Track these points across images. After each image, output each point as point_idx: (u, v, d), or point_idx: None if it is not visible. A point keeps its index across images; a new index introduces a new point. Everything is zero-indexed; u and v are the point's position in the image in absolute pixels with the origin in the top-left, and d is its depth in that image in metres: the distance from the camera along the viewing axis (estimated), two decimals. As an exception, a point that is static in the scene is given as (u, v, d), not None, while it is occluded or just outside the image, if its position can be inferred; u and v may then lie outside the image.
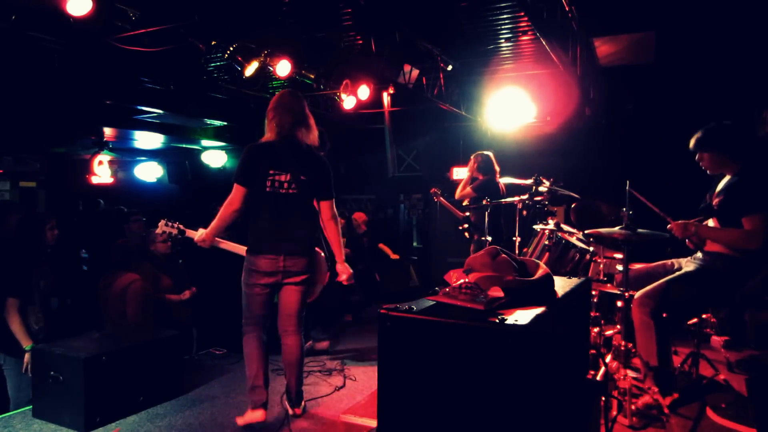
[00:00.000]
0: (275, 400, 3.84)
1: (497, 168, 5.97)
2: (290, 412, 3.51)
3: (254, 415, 3.34)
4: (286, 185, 3.29)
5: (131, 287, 4.47)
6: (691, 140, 3.51)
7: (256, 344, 3.44)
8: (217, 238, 3.53)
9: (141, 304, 4.48)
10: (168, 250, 5.18)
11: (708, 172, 3.55)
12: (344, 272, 3.65)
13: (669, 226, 3.45)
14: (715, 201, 3.46)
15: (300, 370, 3.54)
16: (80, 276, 7.30)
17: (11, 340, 3.81)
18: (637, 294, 3.43)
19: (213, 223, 3.40)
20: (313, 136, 3.43)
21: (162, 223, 3.74)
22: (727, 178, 3.50)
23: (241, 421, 3.38)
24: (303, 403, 3.58)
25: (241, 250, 3.53)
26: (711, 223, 3.53)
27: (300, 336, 3.54)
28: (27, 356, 3.78)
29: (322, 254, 3.85)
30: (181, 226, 3.71)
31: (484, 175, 5.93)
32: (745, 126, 3.51)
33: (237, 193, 3.30)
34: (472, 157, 6.10)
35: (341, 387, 4.10)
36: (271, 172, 3.27)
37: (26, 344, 3.80)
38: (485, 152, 6.07)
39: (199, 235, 3.49)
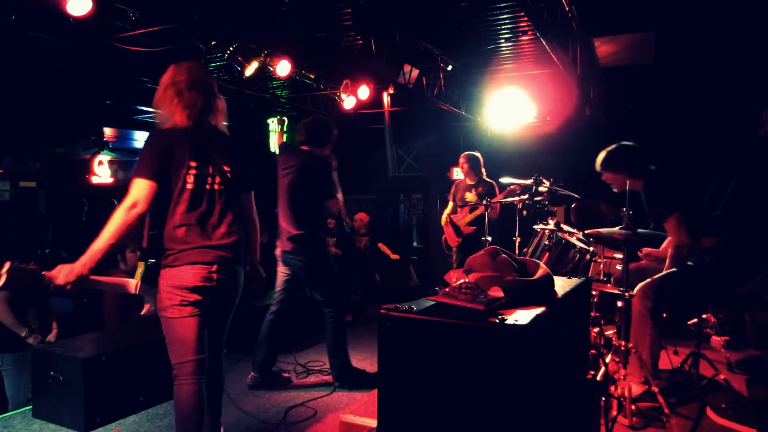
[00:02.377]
0: (274, 398, 3.84)
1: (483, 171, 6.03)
2: None
3: None
4: (210, 179, 2.62)
5: None
6: (596, 162, 3.76)
7: (193, 398, 2.62)
8: (92, 277, 2.53)
9: (116, 304, 4.44)
10: None
11: (615, 189, 3.76)
12: (255, 277, 3.02)
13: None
14: (652, 222, 3.69)
15: (217, 416, 2.86)
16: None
17: (8, 337, 3.82)
18: (639, 286, 3.52)
19: (95, 245, 2.43)
20: (224, 120, 2.79)
21: (5, 268, 2.37)
22: (642, 195, 3.71)
23: None
24: None
25: (127, 283, 2.83)
26: (670, 241, 3.72)
27: (221, 370, 2.85)
28: (30, 340, 3.84)
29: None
30: (34, 267, 2.43)
31: (477, 174, 5.96)
32: (642, 147, 3.74)
33: (143, 190, 2.46)
34: (462, 158, 6.08)
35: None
36: (192, 164, 2.56)
37: (23, 332, 3.85)
38: (473, 153, 6.10)
39: (59, 272, 2.38)
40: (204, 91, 2.67)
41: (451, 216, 6.10)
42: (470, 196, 5.89)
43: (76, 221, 8.08)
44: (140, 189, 2.47)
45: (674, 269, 3.62)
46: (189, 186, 2.57)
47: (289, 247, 3.93)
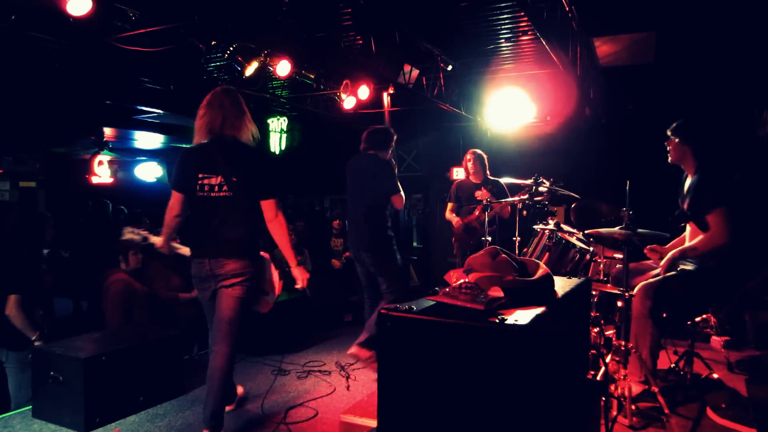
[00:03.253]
0: (274, 398, 3.84)
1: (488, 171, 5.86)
2: None
3: None
4: (216, 188, 3.02)
5: (111, 287, 4.46)
6: (672, 127, 3.65)
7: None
8: (173, 244, 3.43)
9: (119, 304, 4.45)
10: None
11: (669, 159, 3.67)
12: (299, 278, 3.31)
13: (658, 270, 3.57)
14: (685, 205, 3.57)
15: (220, 389, 3.10)
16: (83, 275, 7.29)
17: (13, 335, 3.82)
18: (639, 285, 3.48)
19: (162, 230, 3.34)
20: (247, 133, 3.14)
21: (127, 230, 3.61)
22: (690, 179, 3.61)
23: None
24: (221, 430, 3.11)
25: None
26: (689, 228, 3.64)
27: (228, 348, 3.12)
28: (37, 343, 3.84)
29: (268, 258, 3.43)
30: (144, 233, 3.62)
31: (484, 173, 5.78)
32: (714, 129, 3.68)
33: (174, 198, 3.17)
34: (470, 155, 5.86)
35: (341, 386, 4.10)
36: (201, 175, 3.04)
37: (33, 335, 3.85)
38: (478, 150, 5.91)
39: (158, 241, 3.45)
40: (221, 110, 3.08)
41: (462, 218, 5.85)
42: (481, 195, 5.58)
43: (81, 220, 8.08)
44: (172, 198, 3.19)
45: (678, 270, 3.59)
46: (198, 193, 3.06)
47: (361, 243, 4.35)
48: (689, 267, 3.58)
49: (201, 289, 3.18)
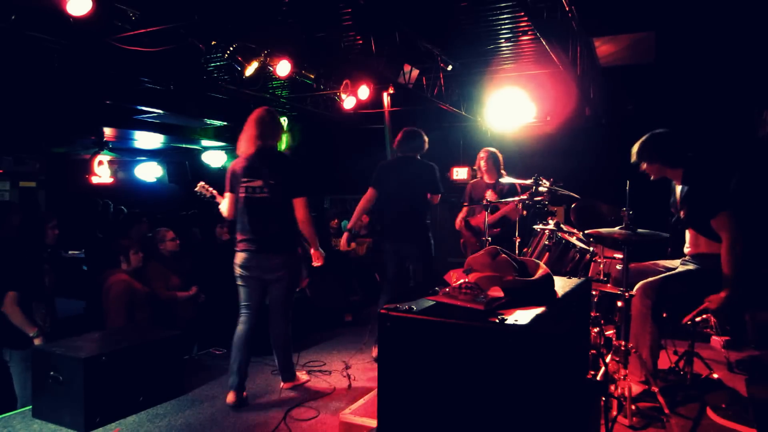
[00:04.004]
0: (274, 398, 3.84)
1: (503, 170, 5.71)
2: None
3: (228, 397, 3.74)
4: (258, 190, 3.72)
5: (112, 288, 4.46)
6: (632, 152, 3.67)
7: (237, 333, 3.83)
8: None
9: (122, 305, 4.45)
10: (176, 248, 5.20)
11: (651, 178, 3.68)
12: (315, 257, 4.05)
13: (711, 310, 3.43)
14: (682, 213, 3.57)
15: (282, 349, 3.94)
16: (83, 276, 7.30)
17: (15, 334, 3.82)
18: (639, 284, 3.48)
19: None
20: (282, 143, 3.89)
21: (201, 183, 4.28)
22: (678, 187, 3.62)
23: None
24: (294, 379, 4.05)
25: None
26: (688, 234, 3.64)
27: (285, 321, 3.91)
28: (36, 342, 3.83)
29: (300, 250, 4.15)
30: (214, 191, 4.23)
31: (497, 173, 5.61)
32: (678, 133, 3.62)
33: (228, 199, 3.86)
34: (483, 153, 5.73)
35: (341, 386, 4.10)
36: (244, 180, 3.73)
37: (32, 331, 3.85)
38: (491, 149, 5.76)
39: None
40: (261, 126, 3.77)
41: (469, 218, 5.79)
42: (489, 196, 5.47)
43: (96, 221, 8.09)
44: (227, 199, 3.86)
45: (680, 270, 3.59)
46: (242, 194, 3.74)
47: (408, 236, 4.76)
48: (691, 267, 3.58)
49: (247, 276, 3.79)
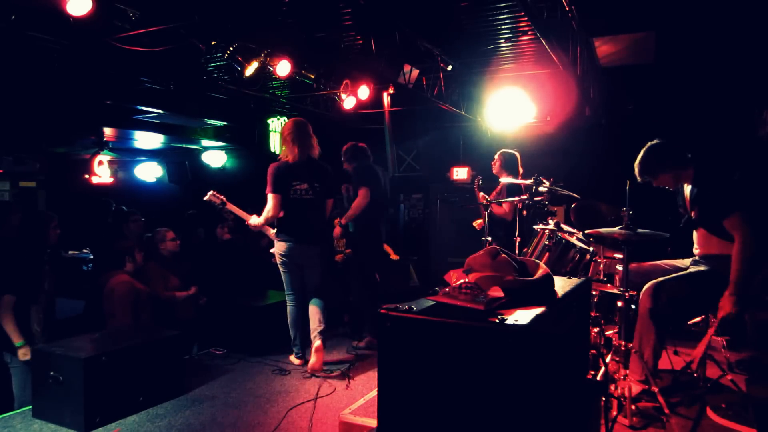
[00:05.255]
0: (274, 398, 3.84)
1: (521, 169, 5.66)
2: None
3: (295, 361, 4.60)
4: (304, 192, 4.41)
5: (117, 289, 4.46)
6: (636, 173, 3.57)
7: (291, 314, 4.57)
8: (266, 227, 4.63)
9: (127, 306, 4.45)
10: (176, 249, 5.20)
11: (671, 189, 3.64)
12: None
13: (731, 315, 3.35)
14: (693, 213, 3.54)
15: (323, 313, 4.52)
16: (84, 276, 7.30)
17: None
18: (650, 283, 3.45)
19: (261, 221, 4.46)
20: (318, 151, 4.51)
21: (212, 192, 4.55)
22: (687, 187, 3.58)
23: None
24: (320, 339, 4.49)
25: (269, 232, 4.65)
26: (696, 235, 3.60)
27: (323, 298, 4.56)
28: (20, 352, 3.80)
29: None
30: (223, 198, 4.57)
31: (507, 174, 5.59)
32: (674, 138, 3.57)
33: (274, 200, 4.32)
34: (496, 155, 5.74)
35: (341, 386, 4.10)
36: (295, 183, 4.38)
37: (17, 341, 3.81)
38: (505, 150, 5.75)
39: (251, 216, 4.50)
40: (308, 136, 4.44)
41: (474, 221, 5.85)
42: (487, 196, 5.50)
43: (108, 221, 8.08)
44: (272, 200, 4.33)
45: (687, 272, 3.57)
46: (291, 196, 4.36)
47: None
48: (703, 268, 3.55)
49: (289, 263, 4.46)
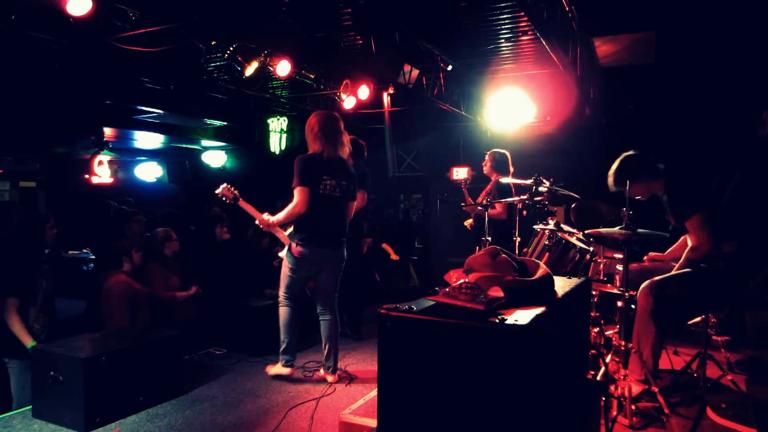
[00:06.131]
0: (274, 398, 3.84)
1: (512, 168, 5.66)
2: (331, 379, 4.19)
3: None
4: (333, 189, 4.07)
5: (114, 289, 4.45)
6: (610, 183, 3.68)
7: (288, 313, 4.18)
8: (278, 228, 4.19)
9: (125, 306, 4.44)
10: (177, 248, 5.20)
11: (643, 199, 3.69)
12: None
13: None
14: (672, 222, 3.63)
15: (336, 343, 4.22)
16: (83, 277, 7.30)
17: (14, 342, 3.79)
18: (644, 283, 3.48)
19: (282, 215, 4.07)
20: (348, 151, 4.25)
21: (225, 185, 4.22)
22: (664, 197, 3.65)
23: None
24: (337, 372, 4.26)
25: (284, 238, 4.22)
26: (689, 241, 3.61)
27: (336, 314, 4.24)
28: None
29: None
30: (236, 192, 4.24)
31: (500, 173, 5.60)
32: (643, 151, 3.68)
33: (303, 193, 3.95)
34: (487, 154, 5.74)
35: (341, 386, 4.10)
36: (325, 177, 4.03)
37: (28, 342, 3.80)
38: (494, 149, 5.76)
39: (263, 215, 4.12)
40: (340, 134, 4.15)
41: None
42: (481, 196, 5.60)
43: (109, 222, 8.09)
44: (297, 194, 3.96)
45: (684, 270, 3.58)
46: (320, 191, 4.00)
47: None
48: (701, 266, 3.57)
49: (305, 268, 4.09)
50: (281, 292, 4.16)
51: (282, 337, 4.18)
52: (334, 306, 4.23)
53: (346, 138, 4.21)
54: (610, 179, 3.67)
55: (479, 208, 5.25)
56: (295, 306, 4.18)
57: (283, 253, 4.21)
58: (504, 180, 5.46)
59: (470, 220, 5.79)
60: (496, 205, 5.32)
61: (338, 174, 4.09)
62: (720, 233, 3.40)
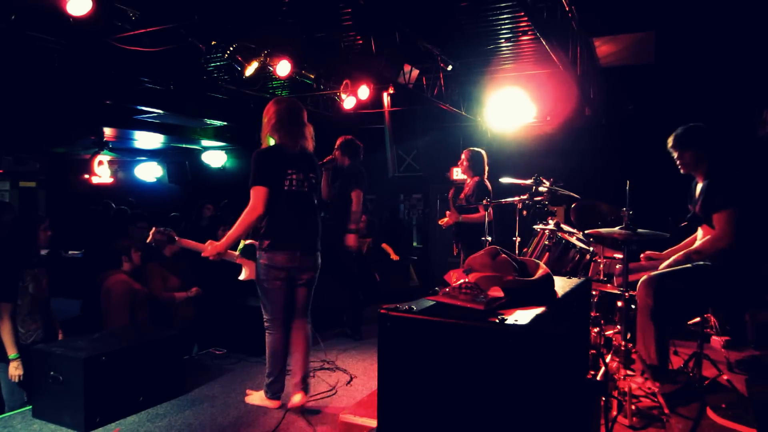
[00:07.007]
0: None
1: (486, 168, 5.59)
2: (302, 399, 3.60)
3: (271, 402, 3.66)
4: (300, 185, 3.54)
5: (113, 289, 4.44)
6: (669, 141, 3.66)
7: (277, 341, 3.58)
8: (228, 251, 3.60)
9: (124, 306, 4.43)
10: (178, 249, 5.19)
11: (683, 171, 3.66)
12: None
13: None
14: (697, 207, 3.57)
15: (308, 355, 3.69)
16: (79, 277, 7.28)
17: (3, 347, 3.71)
18: (641, 279, 3.46)
19: (231, 233, 3.43)
20: (313, 145, 3.69)
21: (153, 229, 3.71)
22: (700, 184, 3.61)
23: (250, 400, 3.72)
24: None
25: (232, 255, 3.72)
26: (700, 231, 3.62)
27: (310, 322, 3.74)
28: (12, 365, 3.66)
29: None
30: (171, 233, 3.75)
31: (476, 173, 5.55)
32: (717, 129, 3.68)
33: (261, 194, 3.39)
34: (462, 153, 5.69)
35: (341, 386, 4.10)
36: (290, 172, 3.50)
37: (11, 353, 3.67)
38: (476, 149, 5.68)
39: (208, 245, 3.49)
40: (303, 125, 3.57)
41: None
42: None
43: (91, 222, 8.11)
44: (255, 195, 3.39)
45: (684, 266, 3.56)
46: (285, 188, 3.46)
47: None
48: (702, 263, 3.55)
49: (284, 279, 3.48)
50: (265, 316, 3.57)
51: (268, 369, 3.58)
52: (309, 315, 3.72)
53: (310, 131, 3.62)
54: (671, 139, 3.67)
55: (482, 210, 5.21)
56: (283, 328, 3.58)
57: (242, 277, 3.76)
58: (504, 180, 5.46)
59: (446, 219, 5.66)
60: (480, 209, 5.21)
61: (305, 166, 3.54)
62: (743, 236, 3.33)
